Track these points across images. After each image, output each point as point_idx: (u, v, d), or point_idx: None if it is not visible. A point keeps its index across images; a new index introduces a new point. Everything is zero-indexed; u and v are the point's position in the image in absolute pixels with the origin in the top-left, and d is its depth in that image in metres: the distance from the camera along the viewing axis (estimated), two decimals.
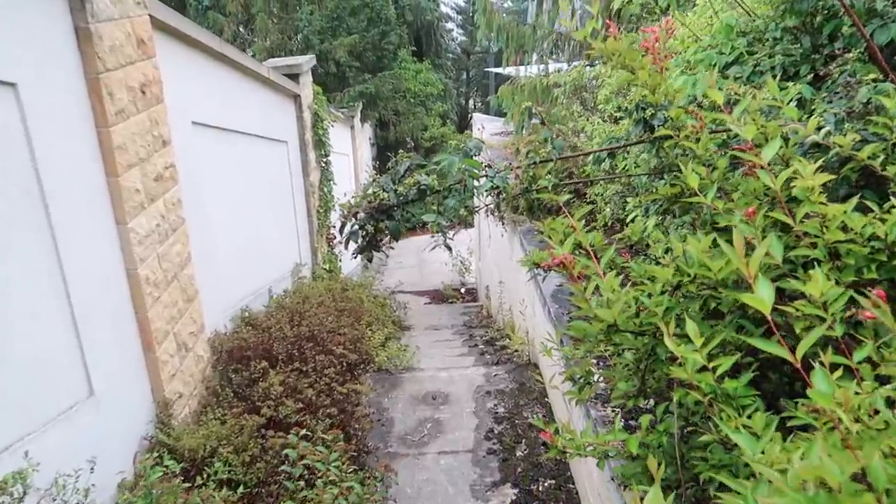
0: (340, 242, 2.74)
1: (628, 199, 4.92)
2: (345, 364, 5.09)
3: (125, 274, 3.61)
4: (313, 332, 5.15)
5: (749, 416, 1.51)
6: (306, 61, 8.10)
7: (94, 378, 3.26)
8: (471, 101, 31.85)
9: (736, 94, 2.33)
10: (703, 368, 1.64)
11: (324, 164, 8.79)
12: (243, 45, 15.31)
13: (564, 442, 2.06)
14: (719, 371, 1.63)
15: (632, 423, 3.27)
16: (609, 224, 5.43)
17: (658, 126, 2.41)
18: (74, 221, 3.15)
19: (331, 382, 4.66)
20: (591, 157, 5.36)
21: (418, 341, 7.74)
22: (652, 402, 2.25)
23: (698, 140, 2.30)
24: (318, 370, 4.76)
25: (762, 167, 1.89)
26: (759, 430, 1.33)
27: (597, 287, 2.04)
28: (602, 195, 5.46)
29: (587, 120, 6.44)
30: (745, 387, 1.67)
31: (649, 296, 1.99)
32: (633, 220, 4.58)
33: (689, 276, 1.93)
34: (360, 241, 2.58)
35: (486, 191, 2.36)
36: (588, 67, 7.58)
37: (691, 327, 1.67)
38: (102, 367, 3.35)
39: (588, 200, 5.75)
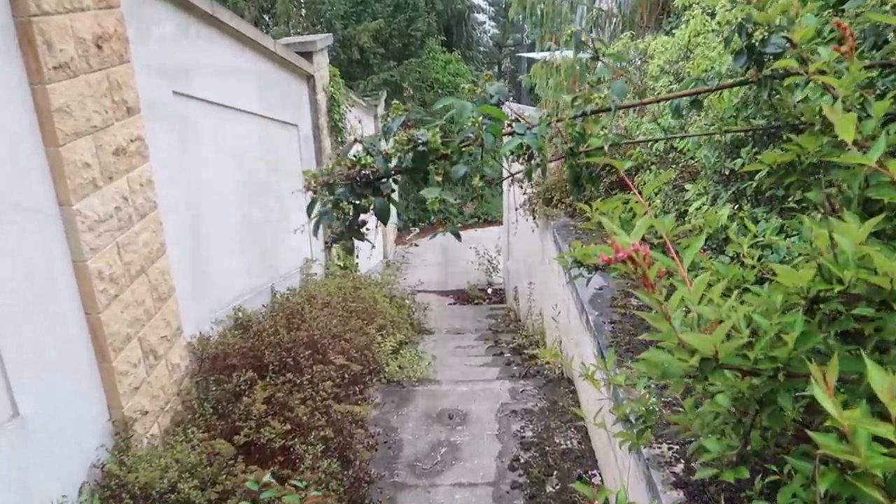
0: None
1: (686, 187, 4.09)
2: (346, 376, 4.38)
3: (71, 266, 2.96)
4: (313, 337, 4.45)
5: None
6: (321, 39, 7.43)
7: (18, 395, 2.61)
8: None
9: None
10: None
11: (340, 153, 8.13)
12: (265, 30, 14.78)
13: None
14: None
15: (692, 465, 2.52)
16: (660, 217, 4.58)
17: (770, 57, 1.61)
18: None
19: (327, 398, 3.96)
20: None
21: (437, 347, 6.99)
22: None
23: (839, 76, 1.49)
24: (315, 383, 4.06)
25: None
26: None
27: (681, 299, 1.25)
28: (652, 181, 4.62)
29: (634, 98, 5.61)
30: None
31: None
32: (690, 211, 3.76)
33: (840, 282, 1.16)
34: (334, 224, 1.85)
35: (512, 152, 1.61)
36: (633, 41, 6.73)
37: (879, 378, 0.93)
38: (33, 381, 2.70)
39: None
